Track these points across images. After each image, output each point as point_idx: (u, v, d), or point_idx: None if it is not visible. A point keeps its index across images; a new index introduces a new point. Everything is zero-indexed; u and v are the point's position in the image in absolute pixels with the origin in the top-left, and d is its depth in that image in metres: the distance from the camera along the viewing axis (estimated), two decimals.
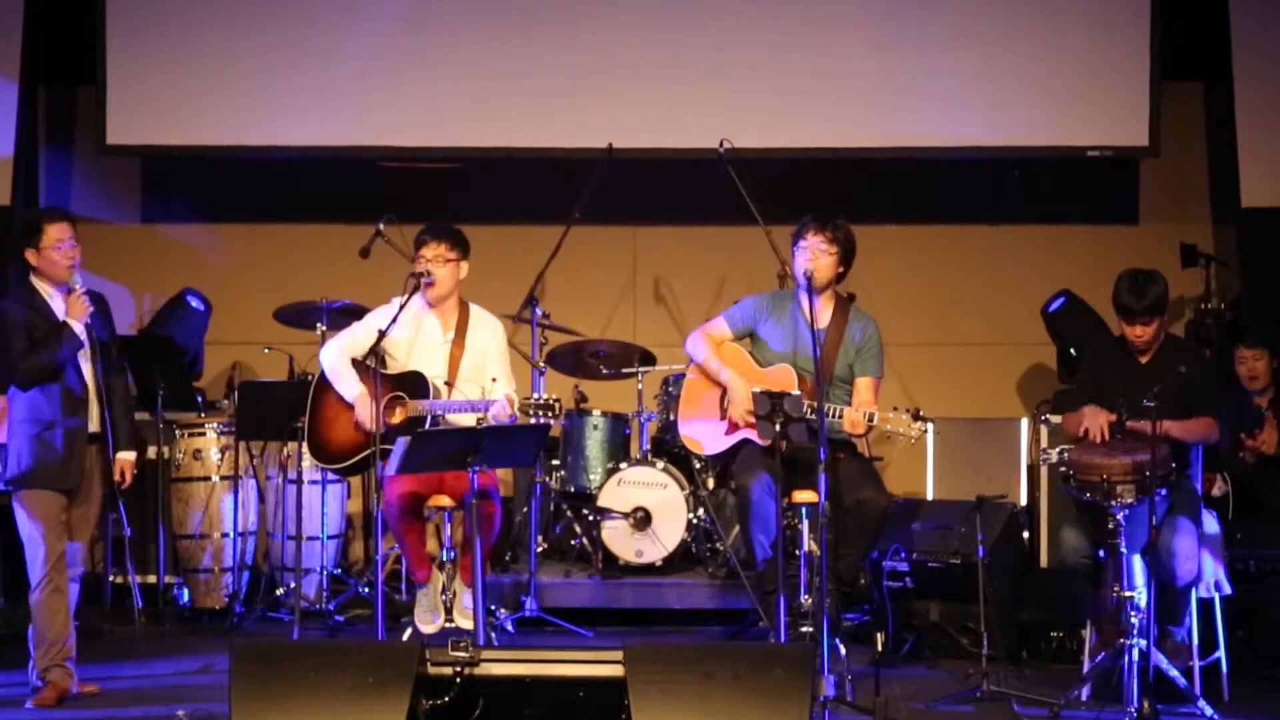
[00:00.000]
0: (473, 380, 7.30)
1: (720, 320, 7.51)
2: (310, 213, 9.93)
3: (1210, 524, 6.96)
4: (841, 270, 7.31)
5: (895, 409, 6.98)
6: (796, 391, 6.94)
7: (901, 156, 9.45)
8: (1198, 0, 9.33)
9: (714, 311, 9.19)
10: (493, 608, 7.65)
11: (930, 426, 7.16)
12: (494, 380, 7.27)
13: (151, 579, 8.50)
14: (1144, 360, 6.99)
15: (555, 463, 8.70)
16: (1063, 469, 6.70)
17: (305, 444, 7.44)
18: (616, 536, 8.36)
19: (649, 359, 8.77)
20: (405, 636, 7.28)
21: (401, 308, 7.13)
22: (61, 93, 10.02)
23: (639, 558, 8.35)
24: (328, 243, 9.59)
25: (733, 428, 7.37)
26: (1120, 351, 7.08)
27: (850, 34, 9.33)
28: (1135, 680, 6.35)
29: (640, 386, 8.69)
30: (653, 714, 5.58)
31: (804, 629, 6.77)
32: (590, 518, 8.49)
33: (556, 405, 6.99)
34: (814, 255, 7.19)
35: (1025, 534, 8.20)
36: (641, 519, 8.33)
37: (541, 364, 8.59)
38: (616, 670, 5.67)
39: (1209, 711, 6.50)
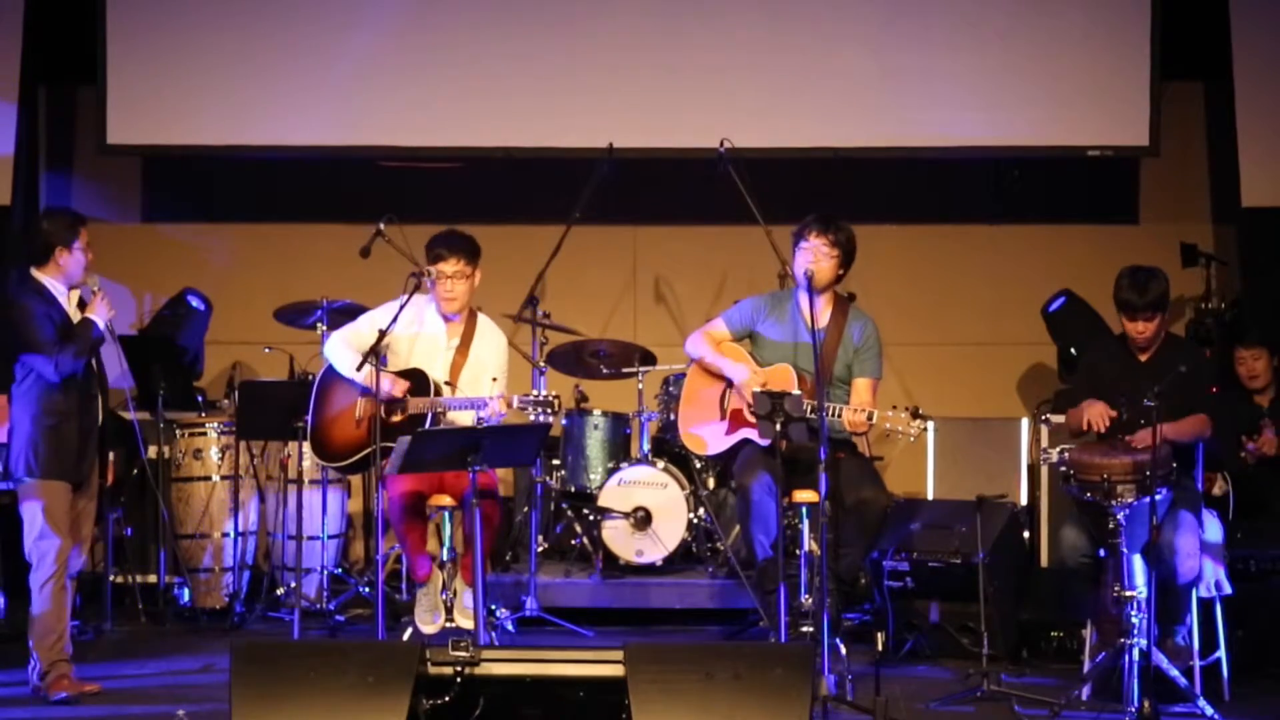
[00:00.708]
0: (471, 389, 7.30)
1: (719, 321, 7.52)
2: (310, 213, 9.93)
3: (1211, 524, 6.96)
4: (841, 272, 7.32)
5: (894, 407, 6.98)
6: (797, 391, 6.94)
7: (901, 156, 9.45)
8: (1198, 0, 9.33)
9: (714, 311, 9.19)
10: (493, 607, 7.65)
11: (930, 425, 7.16)
12: (494, 380, 7.28)
13: (151, 579, 8.50)
14: (1144, 359, 7.00)
15: (555, 462, 8.70)
16: (1063, 469, 6.70)
17: (307, 441, 7.44)
18: (616, 536, 8.36)
19: (649, 359, 8.77)
20: (405, 636, 7.28)
21: (402, 308, 7.12)
22: (61, 93, 10.01)
23: (639, 558, 8.35)
24: (328, 243, 9.59)
25: (733, 427, 7.38)
26: (1120, 350, 7.08)
27: (850, 34, 9.32)
28: (1135, 680, 6.35)
29: (640, 386, 8.69)
30: (653, 714, 5.58)
31: (804, 629, 6.77)
32: (590, 517, 8.48)
33: (555, 402, 6.99)
34: (815, 257, 7.20)
35: (1025, 534, 8.21)
36: (641, 519, 8.33)
37: (542, 364, 8.59)
38: (616, 670, 5.67)
39: (1209, 711, 6.50)
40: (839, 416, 6.99)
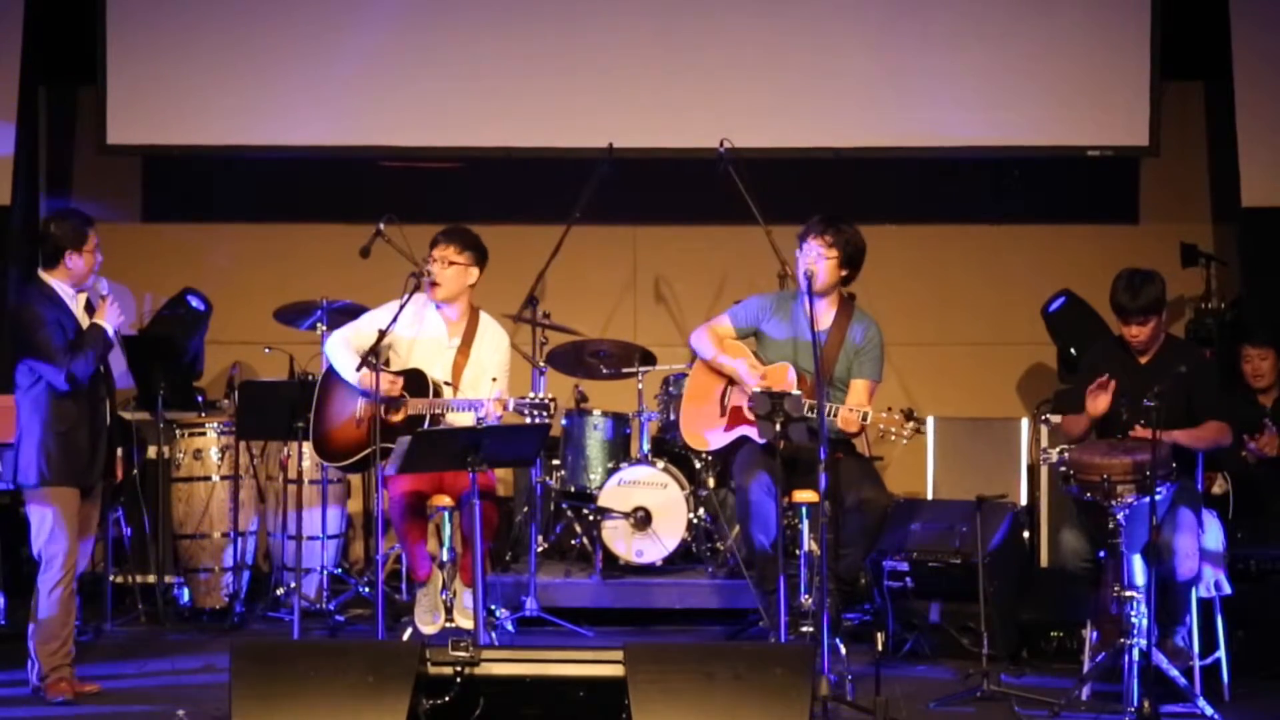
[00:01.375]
0: (472, 388, 7.30)
1: (724, 317, 7.54)
2: (310, 213, 9.93)
3: (1211, 525, 6.96)
4: (845, 274, 7.31)
5: (889, 409, 6.98)
6: (797, 391, 6.94)
7: (901, 156, 9.45)
8: (1198, 0, 9.33)
9: (714, 311, 9.19)
10: (493, 608, 7.65)
11: (928, 421, 7.16)
12: (494, 380, 7.28)
13: (151, 579, 8.50)
14: (1144, 360, 7.00)
15: (555, 463, 8.70)
16: (1063, 469, 6.70)
17: (309, 441, 7.45)
18: (616, 536, 8.36)
19: (649, 359, 8.77)
20: (405, 636, 7.28)
21: (401, 307, 7.13)
22: (61, 93, 10.01)
23: (639, 558, 8.35)
24: (328, 243, 9.59)
25: (732, 424, 7.39)
26: (1121, 352, 7.08)
27: (850, 34, 9.32)
28: (1135, 680, 6.35)
29: (640, 386, 8.69)
30: (653, 714, 5.59)
31: (804, 629, 6.78)
32: (590, 518, 8.49)
33: (552, 405, 6.99)
34: (813, 258, 7.21)
35: (1025, 534, 8.20)
36: (641, 519, 8.33)
37: (541, 364, 8.59)
38: (616, 670, 5.68)
39: (1209, 711, 6.50)
40: (834, 416, 6.99)
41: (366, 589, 8.36)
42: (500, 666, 5.79)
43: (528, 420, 6.96)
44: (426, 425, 7.10)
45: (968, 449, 8.98)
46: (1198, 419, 6.86)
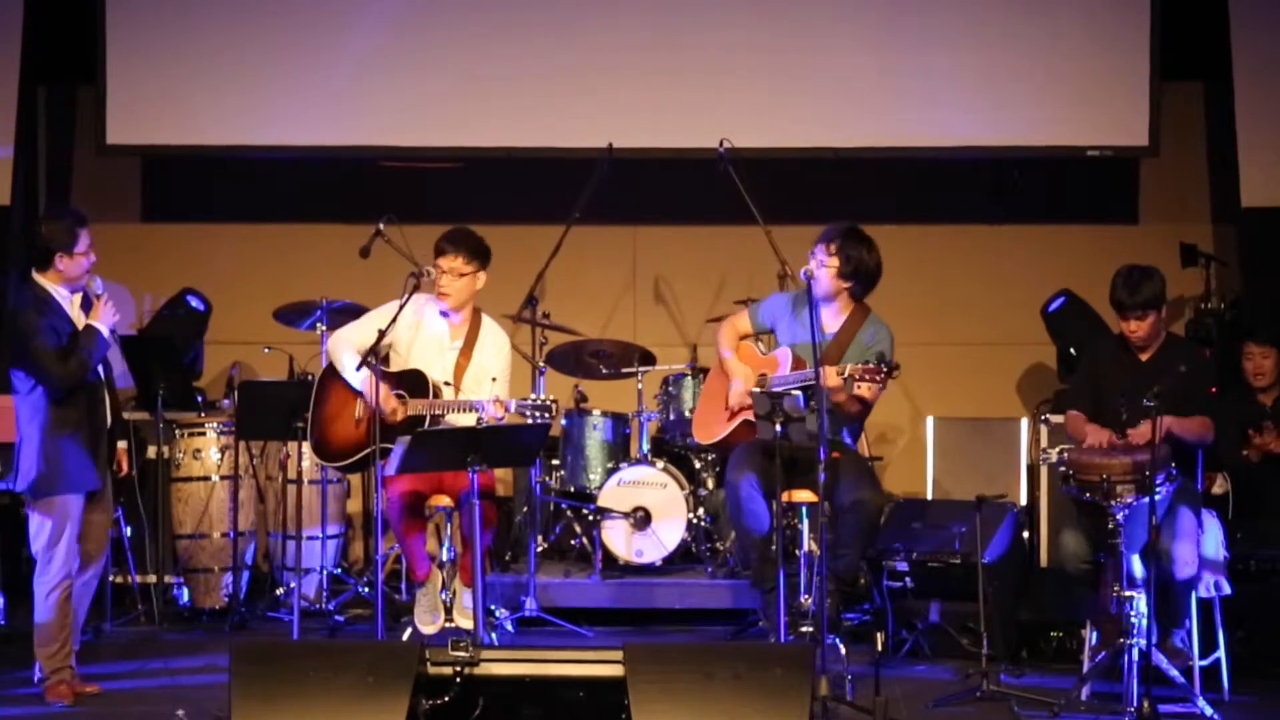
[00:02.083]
0: (472, 391, 7.30)
1: (745, 314, 7.62)
2: (310, 213, 9.92)
3: (1211, 526, 6.96)
4: (849, 286, 7.30)
5: (867, 363, 6.95)
6: (796, 392, 6.93)
7: (901, 156, 9.45)
8: (1198, 0, 9.32)
9: (714, 311, 9.24)
10: (493, 608, 7.65)
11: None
12: (494, 380, 7.27)
13: (151, 579, 8.50)
14: (1144, 359, 7.00)
15: (555, 463, 8.70)
16: (1063, 469, 6.70)
17: (308, 440, 7.44)
18: (616, 536, 8.36)
19: (649, 359, 8.77)
20: (405, 636, 7.28)
21: (401, 308, 7.12)
22: (61, 93, 10.01)
23: (639, 558, 8.35)
24: (328, 243, 9.59)
25: (732, 414, 7.40)
26: (1121, 350, 7.08)
27: (850, 34, 9.32)
28: (1135, 680, 6.35)
29: (640, 386, 8.69)
30: (653, 714, 5.59)
31: (804, 629, 6.78)
32: (590, 518, 8.49)
33: (554, 406, 6.99)
34: (815, 264, 7.23)
35: (1025, 534, 8.20)
36: (641, 519, 8.33)
37: (541, 364, 8.60)
38: (616, 670, 5.68)
39: (1209, 711, 6.50)
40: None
41: (366, 589, 8.36)
42: (500, 666, 5.79)
43: (528, 421, 6.96)
44: (427, 426, 7.09)
45: (968, 449, 8.99)
46: (1191, 415, 6.86)
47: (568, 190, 9.00)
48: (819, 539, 6.75)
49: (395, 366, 7.32)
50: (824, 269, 7.24)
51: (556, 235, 8.82)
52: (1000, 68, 9.29)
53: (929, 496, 8.88)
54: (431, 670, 5.74)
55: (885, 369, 6.83)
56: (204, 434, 8.57)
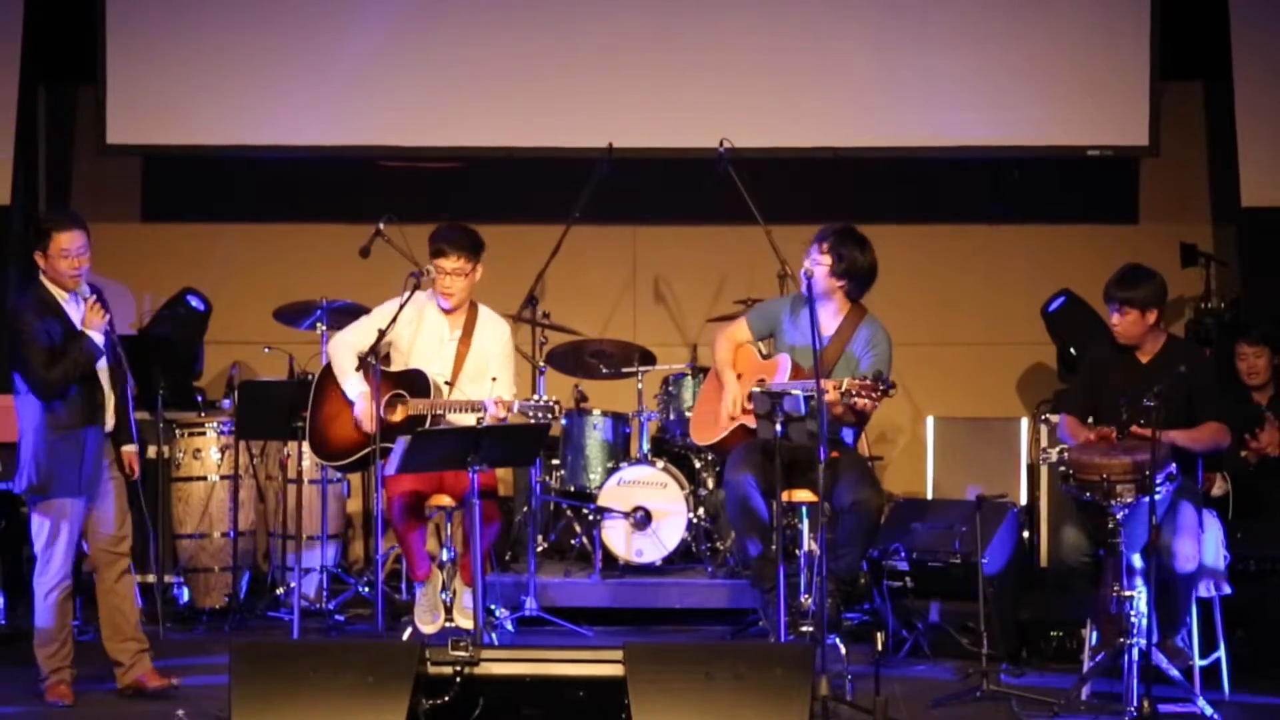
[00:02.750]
0: (475, 381, 7.31)
1: (742, 322, 7.57)
2: (310, 213, 9.93)
3: (1211, 526, 6.95)
4: (843, 285, 7.29)
5: (864, 376, 6.95)
6: (796, 392, 6.94)
7: (901, 156, 9.45)
8: (1198, 0, 9.33)
9: (714, 311, 9.24)
10: (493, 607, 7.65)
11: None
12: (494, 380, 7.27)
13: (151, 579, 8.49)
14: (1145, 360, 7.00)
15: (555, 462, 8.70)
16: (1062, 468, 6.70)
17: (306, 440, 7.44)
18: (616, 536, 8.36)
19: (649, 358, 8.77)
20: (405, 636, 7.28)
21: (401, 307, 7.12)
22: (61, 93, 10.01)
23: (639, 557, 8.35)
24: (328, 243, 9.59)
25: (729, 418, 7.41)
26: (1122, 351, 7.08)
27: (850, 34, 9.32)
28: (1135, 680, 6.35)
29: (640, 386, 8.69)
30: (653, 714, 5.59)
31: (804, 629, 6.78)
32: (590, 517, 8.49)
33: (557, 408, 6.99)
34: (809, 262, 7.23)
35: (1025, 534, 8.20)
36: (641, 519, 8.33)
37: (541, 364, 8.60)
38: (616, 670, 5.68)
39: (1209, 711, 6.49)
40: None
41: (366, 589, 8.36)
42: (500, 666, 5.79)
43: (531, 421, 6.96)
44: (428, 425, 7.09)
45: (968, 449, 8.99)
46: (1197, 420, 6.86)
47: (568, 190, 9.00)
48: (819, 539, 6.75)
49: (396, 365, 7.33)
50: (818, 268, 7.23)
51: (556, 235, 8.82)
52: (1000, 68, 9.30)
53: (929, 496, 8.88)
54: (431, 670, 5.74)
55: (882, 387, 6.82)
56: (204, 434, 8.56)
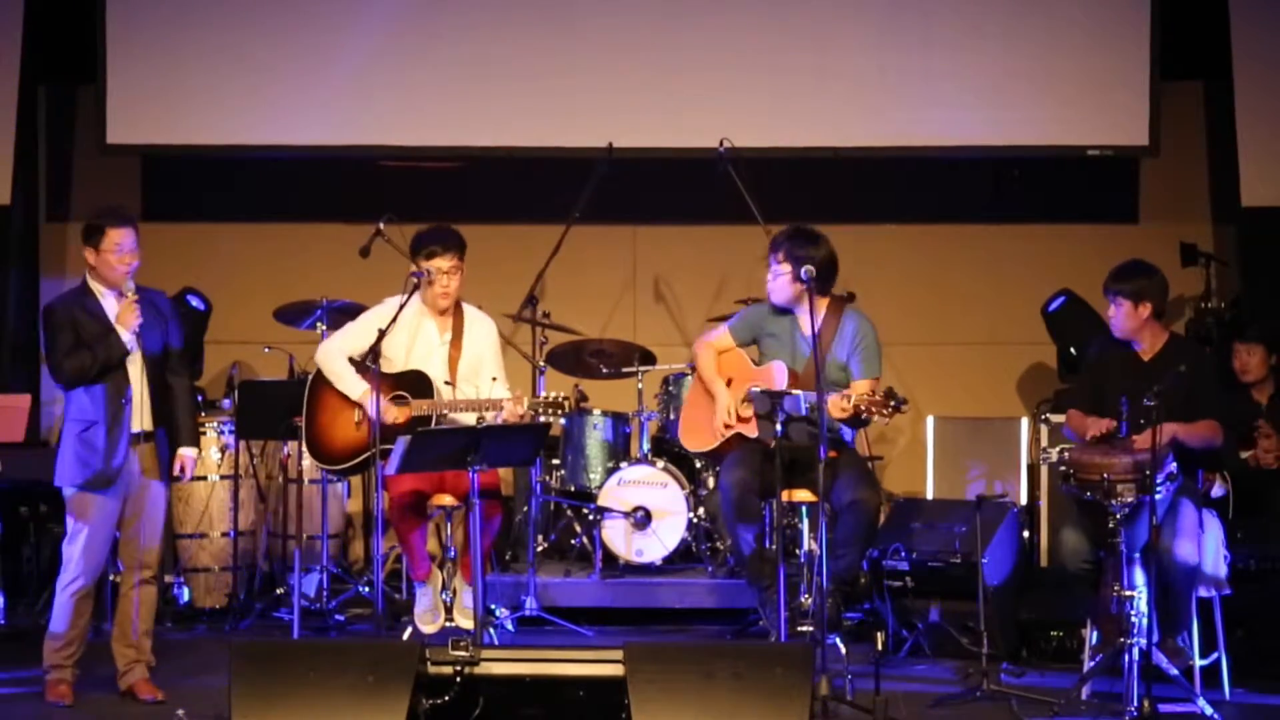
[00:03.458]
0: (469, 380, 7.29)
1: (724, 330, 7.53)
2: (310, 213, 9.93)
3: (1211, 526, 6.95)
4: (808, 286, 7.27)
5: (873, 391, 6.95)
6: (796, 392, 6.94)
7: (901, 156, 9.45)
8: (1198, 0, 9.33)
9: (714, 311, 9.23)
10: (493, 607, 7.65)
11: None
12: (494, 380, 7.26)
13: None
14: (1147, 359, 7.00)
15: (555, 462, 8.71)
16: (1063, 468, 6.70)
17: (304, 446, 7.43)
18: (616, 536, 8.36)
19: (649, 358, 8.77)
20: (405, 636, 7.28)
21: (401, 307, 7.11)
22: (61, 93, 10.02)
23: (639, 557, 8.36)
24: (328, 243, 9.59)
25: (724, 426, 7.40)
26: (1124, 350, 7.08)
27: (850, 34, 9.32)
28: (1135, 680, 6.35)
29: (640, 386, 8.70)
30: (653, 714, 5.59)
31: (804, 629, 6.78)
32: (590, 517, 8.49)
33: (566, 404, 6.98)
34: (770, 276, 7.21)
35: (1025, 534, 8.21)
36: (641, 519, 8.33)
37: (542, 364, 8.60)
38: (616, 670, 5.68)
39: (1209, 711, 6.49)
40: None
41: (366, 589, 8.36)
42: (500, 666, 5.79)
43: (541, 419, 6.95)
44: (433, 425, 7.08)
45: (968, 449, 8.99)
46: (1195, 417, 6.86)
47: (568, 190, 9.00)
48: (819, 539, 6.75)
49: (390, 370, 7.29)
50: (781, 278, 7.23)
51: (556, 235, 8.82)
52: (1000, 68, 9.30)
53: (929, 496, 8.88)
54: (431, 670, 5.75)
55: (893, 404, 6.82)
56: (204, 434, 8.56)
